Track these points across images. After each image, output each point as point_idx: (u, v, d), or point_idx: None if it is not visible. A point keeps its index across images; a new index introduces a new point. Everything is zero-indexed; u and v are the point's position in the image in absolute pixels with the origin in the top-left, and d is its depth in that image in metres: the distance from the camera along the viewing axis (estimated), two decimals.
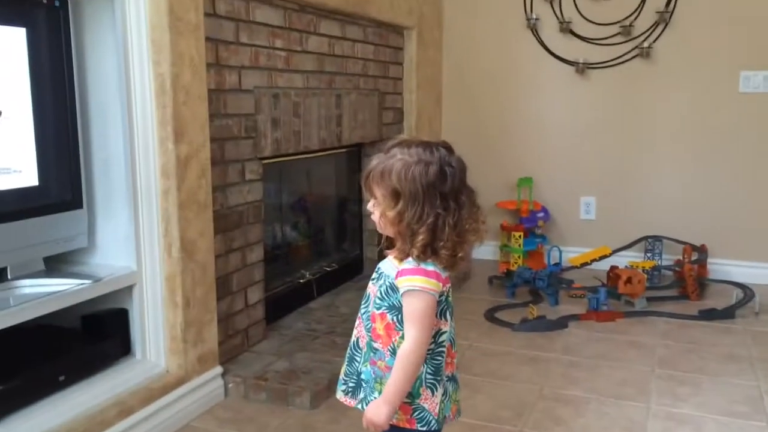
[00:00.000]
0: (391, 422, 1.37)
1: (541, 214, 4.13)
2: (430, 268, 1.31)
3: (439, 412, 1.38)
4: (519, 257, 4.01)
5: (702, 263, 3.72)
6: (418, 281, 1.30)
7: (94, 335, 2.13)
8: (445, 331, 1.38)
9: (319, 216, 3.59)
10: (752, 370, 2.69)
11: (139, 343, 2.21)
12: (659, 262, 3.86)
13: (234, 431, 2.19)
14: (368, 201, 1.37)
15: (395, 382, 1.32)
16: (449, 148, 1.34)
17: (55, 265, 2.09)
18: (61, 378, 1.96)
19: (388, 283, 1.35)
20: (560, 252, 3.93)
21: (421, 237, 1.29)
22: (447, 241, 1.29)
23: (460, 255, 1.32)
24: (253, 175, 2.63)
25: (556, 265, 3.89)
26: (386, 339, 1.35)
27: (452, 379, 1.43)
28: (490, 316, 3.29)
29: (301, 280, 3.21)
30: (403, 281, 1.31)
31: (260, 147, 2.64)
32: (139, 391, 2.10)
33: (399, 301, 1.33)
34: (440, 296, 1.34)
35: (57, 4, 1.95)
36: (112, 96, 2.10)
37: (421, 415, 1.37)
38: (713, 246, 3.84)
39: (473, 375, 2.62)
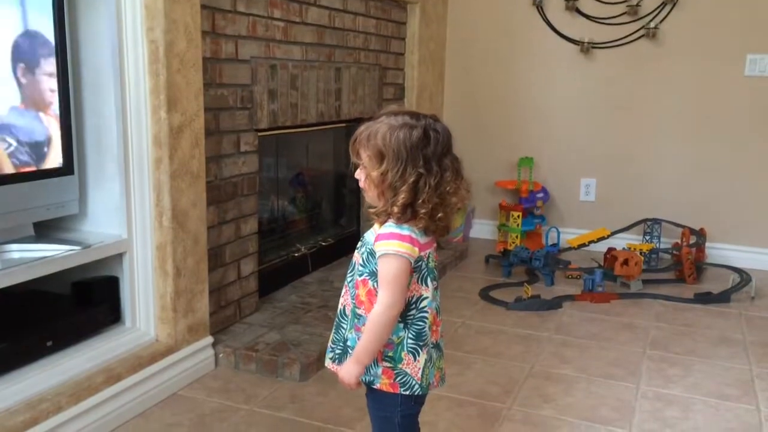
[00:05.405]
0: (375, 386, 1.39)
1: (540, 195, 4.11)
2: (405, 232, 1.33)
3: (422, 377, 1.39)
4: (517, 237, 4.00)
5: (700, 247, 3.69)
6: (393, 245, 1.32)
7: (83, 302, 2.13)
8: (426, 297, 1.38)
9: (316, 190, 3.58)
10: (745, 354, 2.68)
11: (128, 311, 2.21)
12: (657, 245, 3.84)
13: (223, 401, 2.20)
14: (355, 168, 1.38)
15: (364, 342, 1.36)
16: (436, 118, 1.36)
17: (45, 230, 2.09)
18: (49, 343, 1.96)
19: (368, 250, 1.37)
20: (558, 233, 3.92)
21: (402, 196, 1.30)
22: (427, 202, 1.31)
23: (439, 216, 1.33)
24: (249, 147, 2.61)
25: (554, 245, 3.88)
26: (368, 305, 1.37)
27: (436, 346, 1.44)
28: (485, 294, 3.29)
29: (296, 254, 3.20)
30: (379, 245, 1.34)
31: (256, 118, 2.62)
32: (127, 358, 2.11)
33: (377, 267, 1.34)
34: (418, 261, 1.35)
35: None
36: (105, 61, 2.07)
37: (404, 379, 1.38)
38: (712, 230, 3.82)
39: (464, 352, 2.62)
